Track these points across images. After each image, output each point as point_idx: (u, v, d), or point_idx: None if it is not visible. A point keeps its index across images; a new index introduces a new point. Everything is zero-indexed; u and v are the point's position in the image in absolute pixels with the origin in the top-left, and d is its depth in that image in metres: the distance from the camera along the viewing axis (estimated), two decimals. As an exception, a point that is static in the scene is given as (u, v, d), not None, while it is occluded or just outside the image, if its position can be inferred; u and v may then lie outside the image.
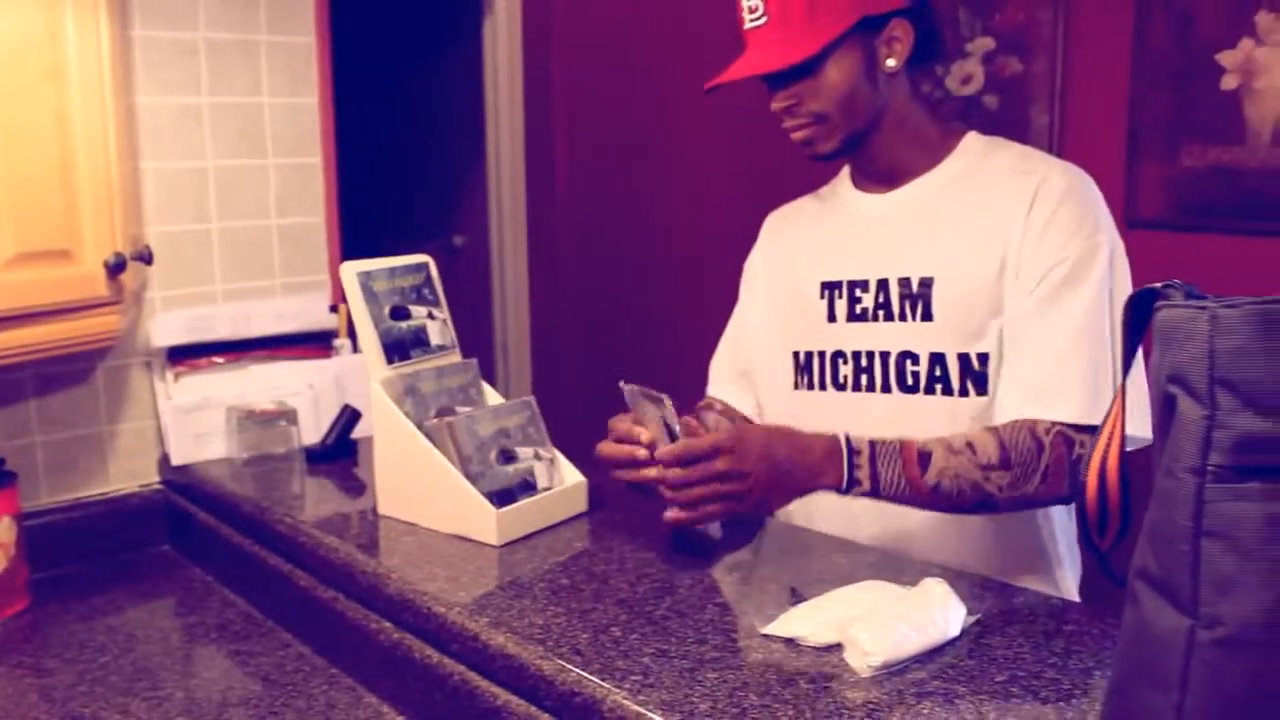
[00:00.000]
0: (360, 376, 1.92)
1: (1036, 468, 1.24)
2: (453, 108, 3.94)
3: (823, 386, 1.45)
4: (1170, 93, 2.39)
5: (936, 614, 1.08)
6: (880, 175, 1.43)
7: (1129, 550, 0.79)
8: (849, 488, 1.23)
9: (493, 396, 1.60)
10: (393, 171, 4.32)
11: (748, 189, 3.23)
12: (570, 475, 1.53)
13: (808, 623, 1.10)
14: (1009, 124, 2.67)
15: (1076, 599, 1.41)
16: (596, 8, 3.63)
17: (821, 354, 1.45)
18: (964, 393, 1.34)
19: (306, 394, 1.87)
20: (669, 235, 3.52)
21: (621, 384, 1.33)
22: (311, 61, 1.96)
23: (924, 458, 1.24)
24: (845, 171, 1.52)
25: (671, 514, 1.23)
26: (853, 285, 1.42)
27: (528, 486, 1.47)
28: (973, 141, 1.41)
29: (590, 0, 3.64)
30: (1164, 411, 0.70)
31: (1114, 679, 0.73)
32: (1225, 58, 2.30)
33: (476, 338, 3.59)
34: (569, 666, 1.04)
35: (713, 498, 1.20)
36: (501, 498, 1.42)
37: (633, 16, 3.51)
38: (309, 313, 1.95)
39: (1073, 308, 1.27)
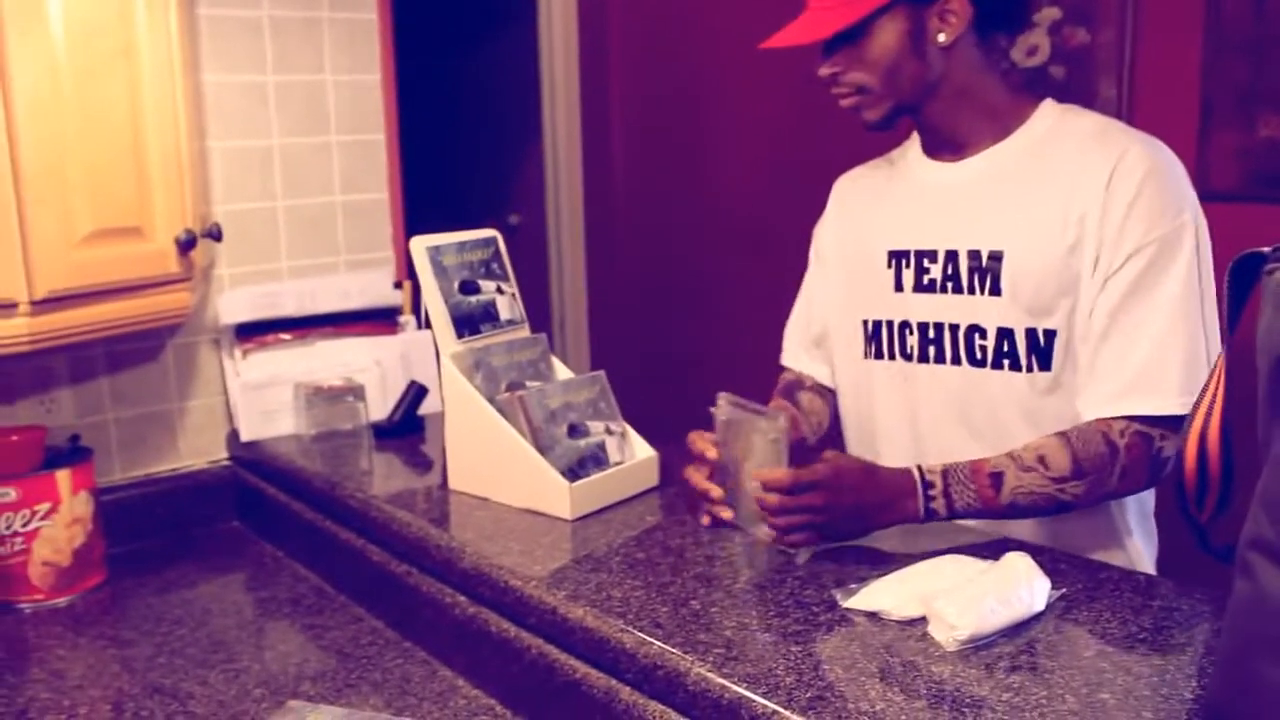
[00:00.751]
0: (426, 352, 1.94)
1: (1112, 471, 1.23)
2: (509, 87, 3.94)
3: (891, 356, 1.43)
4: (1245, 60, 2.33)
5: (1022, 588, 1.06)
6: (947, 144, 1.40)
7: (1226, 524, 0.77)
8: (928, 517, 1.24)
9: (562, 371, 1.60)
10: (449, 151, 4.33)
11: (806, 162, 3.20)
12: (641, 450, 1.52)
13: (890, 596, 1.08)
14: (1076, 95, 2.61)
15: (1152, 572, 1.38)
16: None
17: (890, 323, 1.43)
18: (1030, 368, 1.31)
19: (373, 370, 1.88)
20: (726, 213, 3.49)
21: (719, 397, 1.33)
22: (374, 38, 1.96)
23: (996, 479, 1.23)
24: (914, 140, 1.48)
25: (760, 532, 1.27)
26: (920, 255, 1.39)
27: (599, 461, 1.46)
28: (1048, 110, 1.36)
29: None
30: (1278, 376, 0.67)
31: (1226, 652, 0.71)
32: (1305, 24, 2.23)
33: (534, 316, 3.57)
34: (651, 640, 1.03)
35: (803, 527, 1.22)
36: (573, 472, 1.42)
37: (688, -7, 3.49)
38: (374, 289, 1.95)
39: (1161, 297, 1.23)
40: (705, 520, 1.34)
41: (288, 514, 1.69)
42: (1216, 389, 0.83)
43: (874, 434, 1.48)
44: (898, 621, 1.05)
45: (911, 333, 1.40)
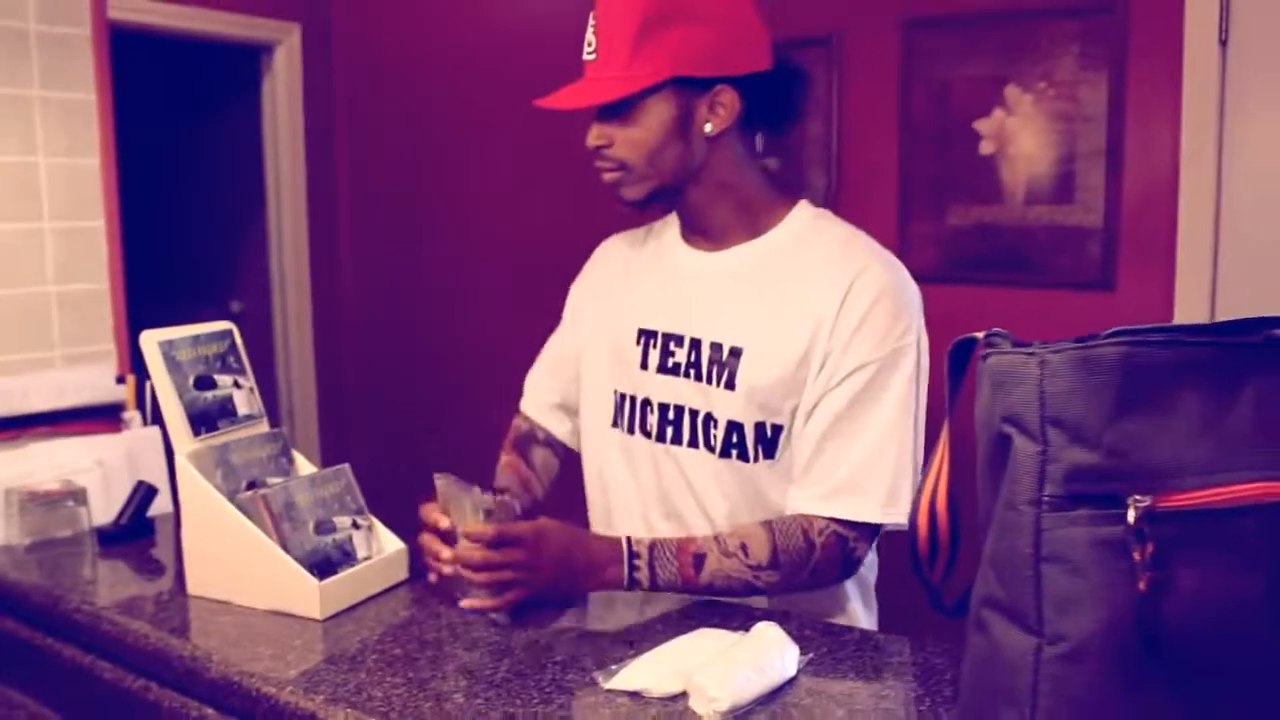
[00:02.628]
0: (154, 450, 1.83)
1: (806, 565, 1.32)
2: (231, 169, 3.81)
3: (632, 431, 1.47)
4: (935, 157, 2.60)
5: (774, 656, 1.12)
6: (703, 233, 1.45)
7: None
8: (630, 586, 1.30)
9: (305, 466, 1.55)
10: (163, 233, 4.11)
11: (537, 245, 3.27)
12: (389, 543, 1.49)
13: (650, 674, 1.11)
14: (789, 186, 2.82)
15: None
16: (380, 67, 3.60)
17: (634, 398, 1.47)
18: (756, 459, 1.38)
19: (95, 471, 1.75)
20: (458, 293, 3.50)
21: (436, 476, 1.34)
22: (92, 120, 1.86)
23: (699, 559, 1.30)
24: (673, 218, 1.52)
25: (465, 601, 1.30)
26: (667, 338, 1.43)
27: (347, 556, 1.42)
28: (801, 213, 1.42)
29: (374, 59, 3.61)
30: (997, 450, 0.76)
31: (964, 701, 0.78)
32: (981, 125, 2.51)
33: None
34: (417, 739, 1.01)
35: (506, 584, 1.26)
36: (322, 569, 1.37)
37: (417, 76, 3.51)
38: (94, 385, 1.83)
39: (878, 414, 1.31)
40: (433, 577, 1.35)
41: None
42: (942, 461, 0.91)
43: (610, 502, 1.51)
44: (659, 699, 1.08)
45: (653, 411, 1.45)
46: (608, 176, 1.40)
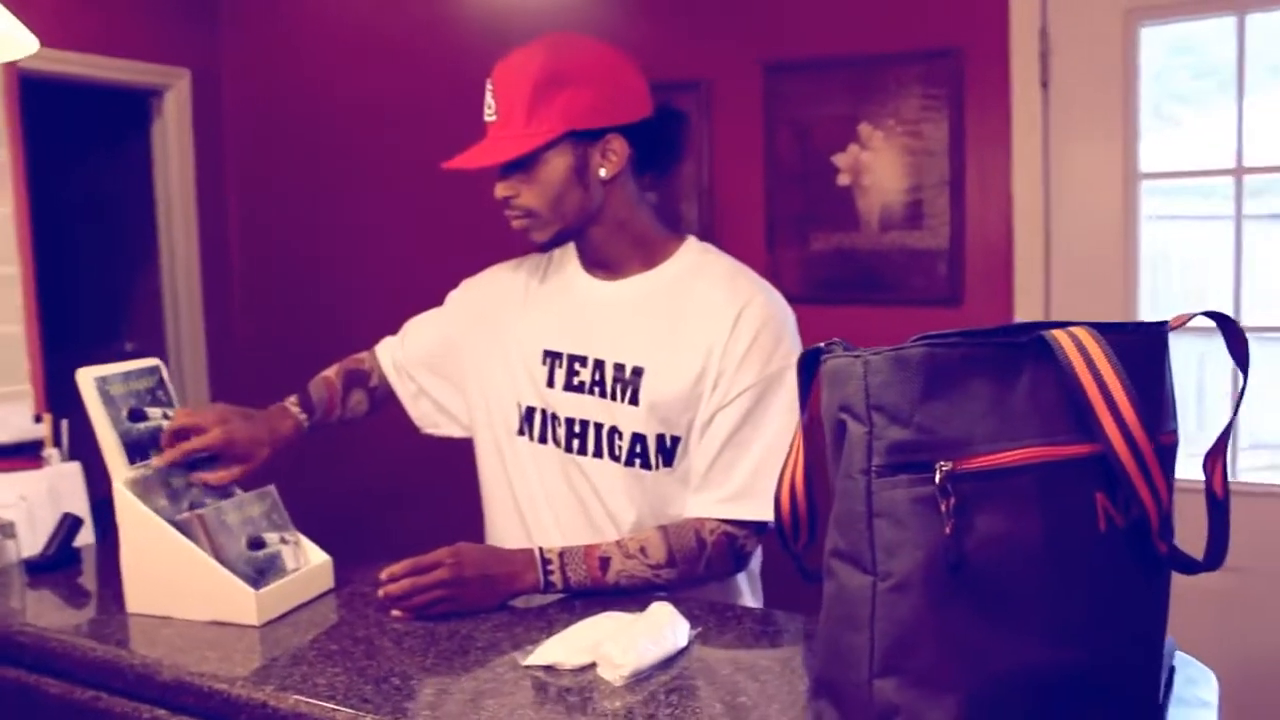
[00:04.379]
0: (75, 484, 1.91)
1: (699, 562, 1.51)
2: (123, 212, 3.85)
3: (543, 440, 1.63)
4: (797, 189, 2.84)
5: (667, 629, 1.29)
6: (603, 265, 1.61)
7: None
8: (546, 589, 1.48)
9: (240, 492, 1.67)
10: (57, 278, 4.11)
11: (432, 290, 3.40)
12: (315, 555, 1.63)
13: (561, 650, 1.27)
14: (665, 218, 3.03)
15: None
16: (270, 112, 3.70)
17: (543, 411, 1.63)
18: (657, 466, 1.56)
19: (19, 506, 1.83)
20: (354, 339, 3.60)
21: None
22: (6, 171, 1.95)
23: (604, 562, 1.49)
24: (571, 249, 1.67)
25: (396, 613, 1.45)
26: (572, 359, 1.60)
27: (277, 569, 1.55)
28: (690, 247, 1.61)
29: (264, 104, 3.71)
30: (837, 434, 0.95)
31: (822, 636, 0.97)
32: (838, 160, 2.76)
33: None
34: (363, 713, 1.15)
35: (436, 601, 1.43)
36: (255, 581, 1.50)
37: (308, 121, 3.62)
38: (12, 424, 1.91)
39: (764, 428, 1.50)
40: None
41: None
42: (797, 449, 1.11)
43: (521, 508, 1.66)
44: (570, 670, 1.25)
45: (559, 425, 1.61)
46: (516, 224, 1.56)
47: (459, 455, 1.83)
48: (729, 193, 2.97)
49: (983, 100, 2.60)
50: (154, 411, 1.63)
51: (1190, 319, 1.01)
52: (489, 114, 1.54)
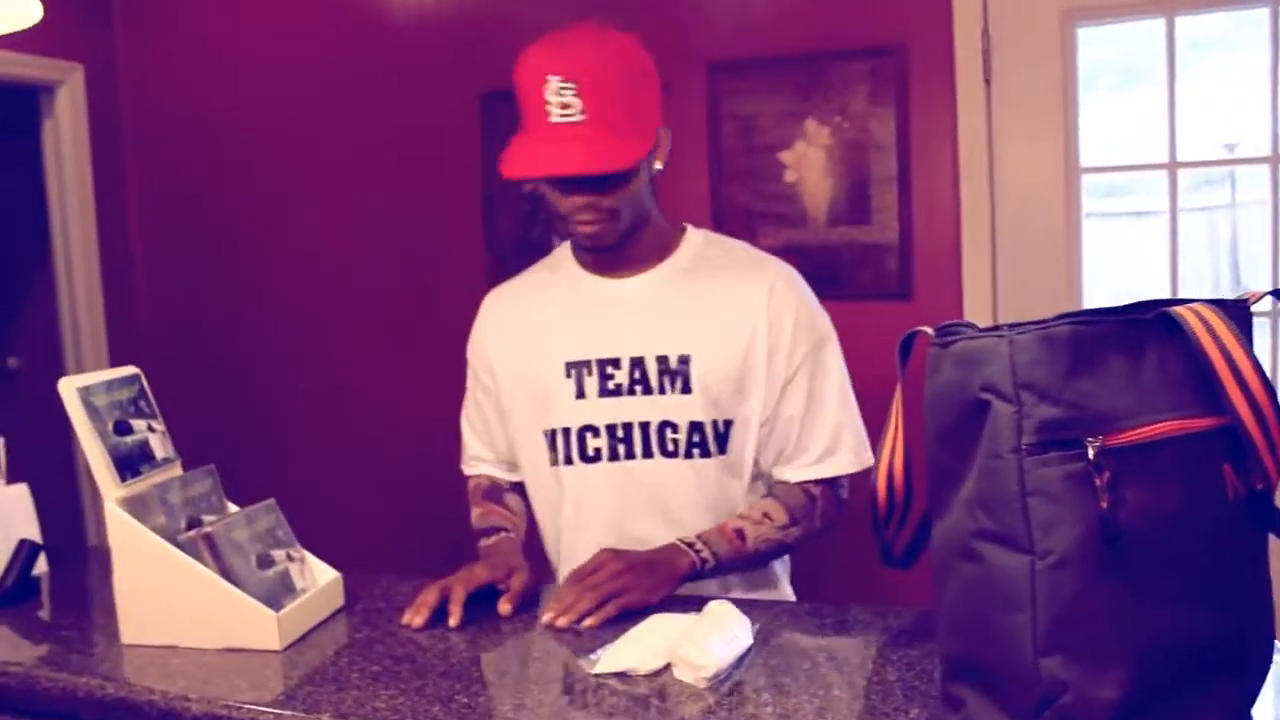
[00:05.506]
0: (24, 508, 1.76)
1: (814, 515, 1.55)
2: (9, 217, 3.59)
3: (571, 461, 1.58)
4: (744, 186, 2.84)
5: (735, 627, 1.26)
6: (620, 263, 1.56)
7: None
8: (701, 567, 1.46)
9: (230, 505, 1.56)
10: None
11: (345, 291, 3.29)
12: (323, 573, 1.53)
13: (632, 654, 1.22)
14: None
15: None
16: (172, 107, 3.51)
17: (568, 430, 1.57)
18: (714, 454, 1.55)
19: (-31, 537, 1.67)
20: (269, 347, 3.46)
21: None
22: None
23: (740, 534, 1.49)
24: (564, 257, 1.63)
25: (550, 617, 1.37)
26: (603, 363, 1.55)
27: (289, 588, 1.46)
28: (694, 236, 1.61)
29: (165, 98, 3.52)
30: (973, 415, 0.93)
31: (956, 619, 0.96)
32: (785, 156, 2.77)
33: (51, 469, 3.24)
34: (445, 733, 1.08)
35: (613, 595, 1.36)
36: (270, 602, 1.40)
37: (212, 116, 3.45)
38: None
39: (831, 388, 1.55)
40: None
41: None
42: (896, 433, 1.09)
43: (575, 538, 1.60)
44: (645, 675, 1.20)
45: (597, 435, 1.55)
46: (588, 229, 1.47)
47: (411, 469, 1.76)
48: (674, 190, 2.95)
49: (928, 97, 2.65)
50: (139, 424, 1.51)
51: (1261, 297, 1.03)
52: (569, 114, 1.39)
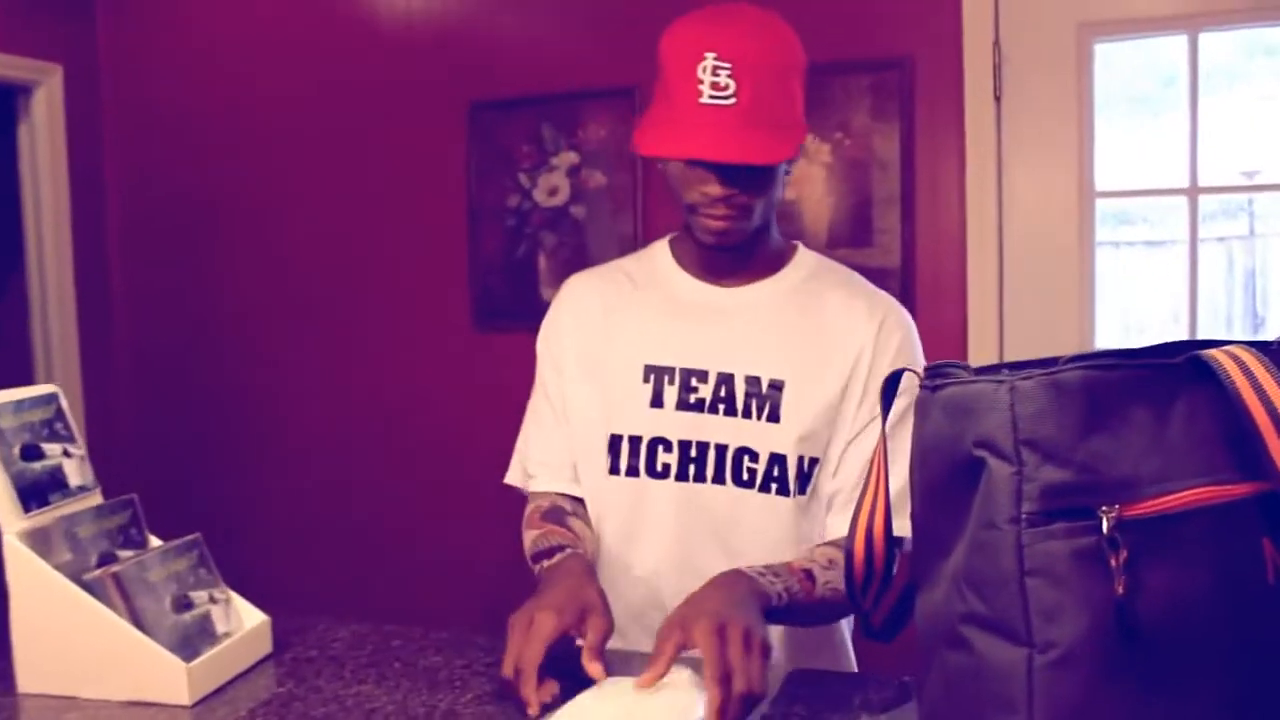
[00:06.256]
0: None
1: None
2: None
3: (636, 473, 1.41)
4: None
5: (697, 704, 1.10)
6: (729, 270, 1.42)
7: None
8: (777, 601, 1.22)
9: (152, 538, 1.42)
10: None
11: (328, 295, 3.16)
12: (250, 616, 1.39)
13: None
14: (596, 232, 2.86)
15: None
16: (153, 110, 3.40)
17: (637, 439, 1.41)
18: (795, 493, 1.38)
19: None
20: (250, 355, 3.33)
21: None
22: None
23: (808, 574, 1.29)
24: (658, 253, 1.49)
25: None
26: (687, 374, 1.39)
27: (208, 634, 1.31)
28: (806, 254, 1.47)
29: (146, 101, 3.40)
30: (964, 474, 0.79)
31: (942, 713, 0.81)
32: (783, 173, 2.63)
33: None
34: (350, 821, 0.94)
35: (758, 672, 1.07)
36: (183, 650, 1.26)
37: (194, 119, 3.33)
38: None
39: (906, 442, 1.36)
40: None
41: None
42: (877, 489, 0.94)
43: (627, 553, 1.43)
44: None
45: (669, 450, 1.40)
46: (718, 224, 1.33)
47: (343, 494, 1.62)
48: (668, 209, 2.82)
49: (934, 113, 2.52)
50: (52, 448, 1.37)
51: (1314, 336, 0.89)
52: (721, 96, 1.25)
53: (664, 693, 1.10)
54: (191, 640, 1.29)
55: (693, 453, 1.39)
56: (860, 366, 1.39)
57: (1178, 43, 2.38)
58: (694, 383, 1.40)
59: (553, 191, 2.91)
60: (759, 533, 1.39)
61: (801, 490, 1.39)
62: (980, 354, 2.47)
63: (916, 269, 2.55)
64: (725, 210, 1.31)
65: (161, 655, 1.22)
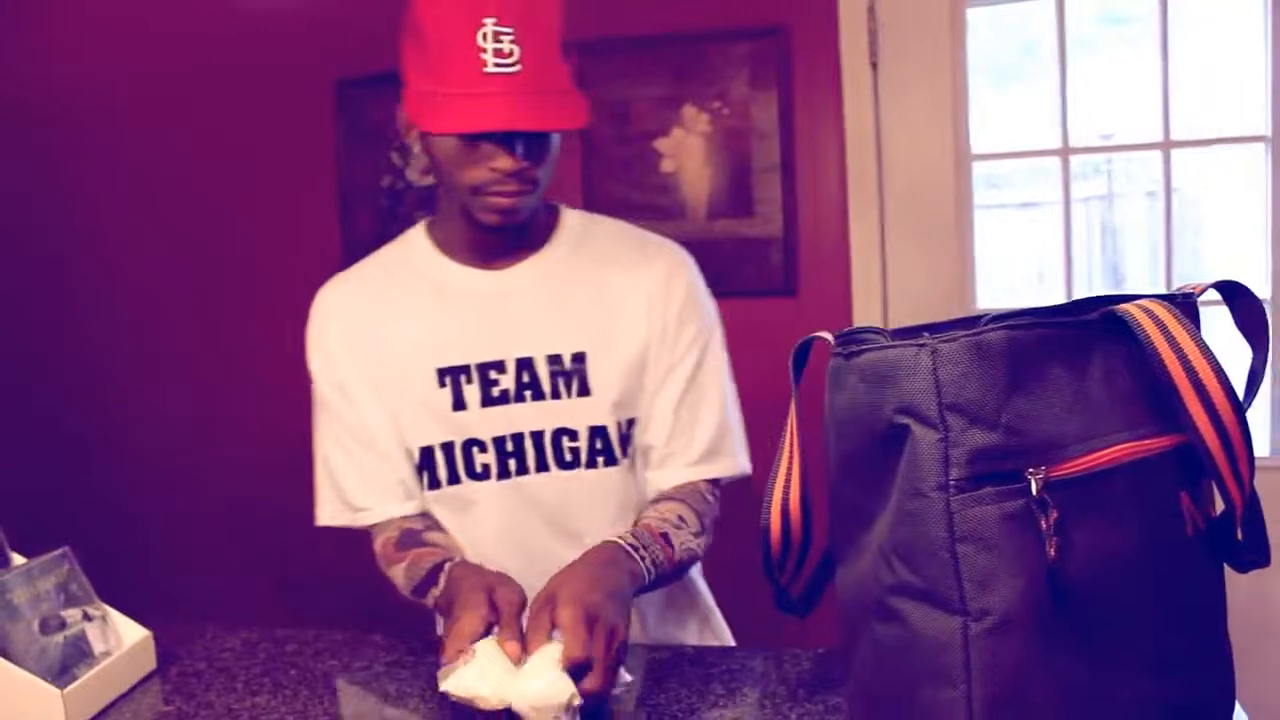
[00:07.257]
0: None
1: (713, 519, 1.36)
2: None
3: (457, 480, 1.35)
4: (618, 177, 2.65)
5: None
6: (505, 250, 1.34)
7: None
8: (647, 577, 1.20)
9: (16, 556, 1.31)
10: None
11: (184, 282, 3.02)
12: (130, 632, 1.30)
13: (483, 686, 0.99)
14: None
15: (732, 642, 1.49)
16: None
17: (449, 446, 1.34)
18: (619, 460, 1.35)
19: None
20: (95, 344, 3.15)
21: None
22: None
23: (666, 539, 1.25)
24: (415, 243, 1.39)
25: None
26: (484, 368, 1.32)
27: (83, 655, 1.22)
28: (570, 217, 1.41)
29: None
30: (885, 444, 0.77)
31: (874, 689, 0.79)
32: (662, 144, 2.60)
33: None
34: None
35: (608, 652, 1.03)
36: (59, 676, 1.17)
37: (32, 100, 3.13)
38: None
39: (712, 380, 1.37)
40: None
41: None
42: (792, 461, 0.92)
43: (468, 561, 1.32)
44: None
45: (484, 450, 1.34)
46: (508, 201, 1.24)
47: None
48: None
49: (812, 80, 2.50)
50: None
51: (1205, 290, 0.89)
52: (506, 64, 1.17)
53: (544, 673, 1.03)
54: (66, 663, 1.20)
55: (509, 447, 1.34)
56: (653, 316, 1.35)
57: (1044, 8, 2.43)
58: (493, 375, 1.33)
59: (426, 170, 2.82)
60: (597, 508, 1.36)
61: (624, 455, 1.36)
62: (865, 320, 2.48)
63: (799, 238, 2.55)
64: (516, 186, 1.23)
65: (33, 684, 1.13)
